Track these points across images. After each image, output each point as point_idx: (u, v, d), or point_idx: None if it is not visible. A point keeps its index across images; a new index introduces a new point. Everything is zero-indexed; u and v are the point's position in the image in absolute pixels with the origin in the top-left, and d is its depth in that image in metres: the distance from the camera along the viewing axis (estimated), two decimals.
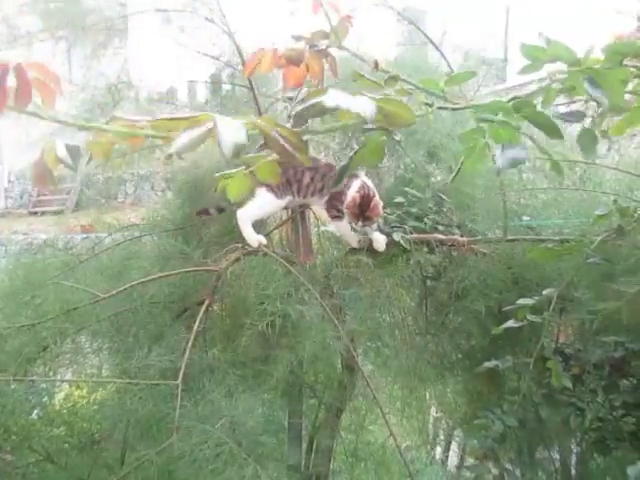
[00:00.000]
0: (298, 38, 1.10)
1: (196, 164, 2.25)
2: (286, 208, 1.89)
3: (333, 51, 1.11)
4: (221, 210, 1.78)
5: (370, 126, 0.86)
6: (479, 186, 1.98)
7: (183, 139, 0.72)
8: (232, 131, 0.72)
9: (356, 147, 2.29)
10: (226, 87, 2.69)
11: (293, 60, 1.09)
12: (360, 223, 1.71)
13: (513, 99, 0.85)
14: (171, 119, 0.78)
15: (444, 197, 1.93)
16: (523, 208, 2.00)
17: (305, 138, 0.81)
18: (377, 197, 1.71)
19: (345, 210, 1.72)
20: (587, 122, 1.01)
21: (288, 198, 1.75)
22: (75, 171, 0.79)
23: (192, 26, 2.22)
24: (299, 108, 0.82)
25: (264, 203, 1.74)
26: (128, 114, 0.84)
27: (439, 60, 2.22)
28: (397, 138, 0.90)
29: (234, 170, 0.88)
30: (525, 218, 1.95)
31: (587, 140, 0.96)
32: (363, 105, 0.78)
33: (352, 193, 1.70)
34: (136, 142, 0.84)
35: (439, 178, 2.13)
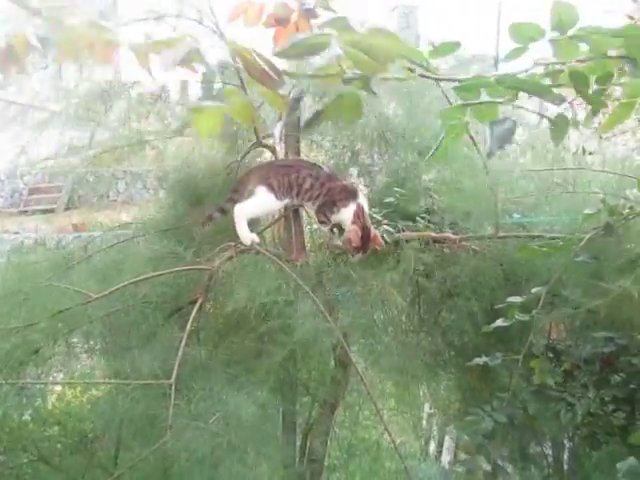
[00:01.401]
0: None
1: (188, 163, 2.24)
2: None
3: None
4: (224, 212, 1.78)
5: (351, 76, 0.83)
6: (471, 184, 1.98)
7: (170, 56, 0.74)
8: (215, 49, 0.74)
9: (357, 147, 2.25)
10: (218, 86, 2.67)
11: (281, 18, 1.08)
12: (360, 254, 1.72)
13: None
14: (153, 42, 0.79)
15: (435, 196, 1.93)
16: (515, 206, 2.01)
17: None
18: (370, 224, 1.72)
19: (346, 243, 1.73)
20: (564, 109, 0.96)
21: (287, 200, 1.76)
22: (45, 57, 0.73)
23: (183, 25, 2.20)
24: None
25: (264, 202, 1.74)
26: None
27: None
28: (375, 92, 0.86)
29: (207, 104, 0.84)
30: (516, 216, 1.96)
31: (559, 126, 0.91)
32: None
33: (349, 223, 1.71)
34: (107, 53, 0.82)
35: (431, 176, 2.13)
